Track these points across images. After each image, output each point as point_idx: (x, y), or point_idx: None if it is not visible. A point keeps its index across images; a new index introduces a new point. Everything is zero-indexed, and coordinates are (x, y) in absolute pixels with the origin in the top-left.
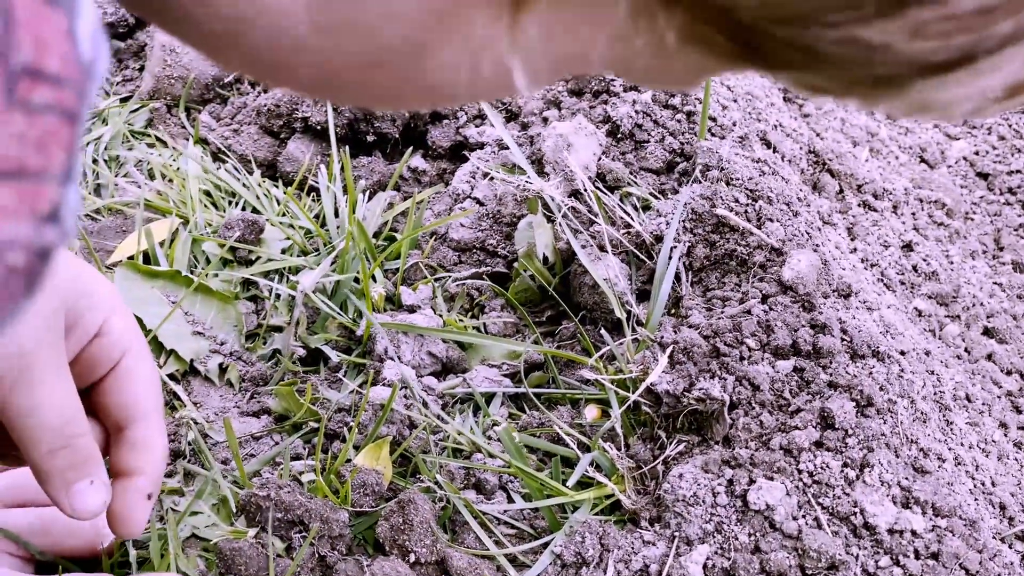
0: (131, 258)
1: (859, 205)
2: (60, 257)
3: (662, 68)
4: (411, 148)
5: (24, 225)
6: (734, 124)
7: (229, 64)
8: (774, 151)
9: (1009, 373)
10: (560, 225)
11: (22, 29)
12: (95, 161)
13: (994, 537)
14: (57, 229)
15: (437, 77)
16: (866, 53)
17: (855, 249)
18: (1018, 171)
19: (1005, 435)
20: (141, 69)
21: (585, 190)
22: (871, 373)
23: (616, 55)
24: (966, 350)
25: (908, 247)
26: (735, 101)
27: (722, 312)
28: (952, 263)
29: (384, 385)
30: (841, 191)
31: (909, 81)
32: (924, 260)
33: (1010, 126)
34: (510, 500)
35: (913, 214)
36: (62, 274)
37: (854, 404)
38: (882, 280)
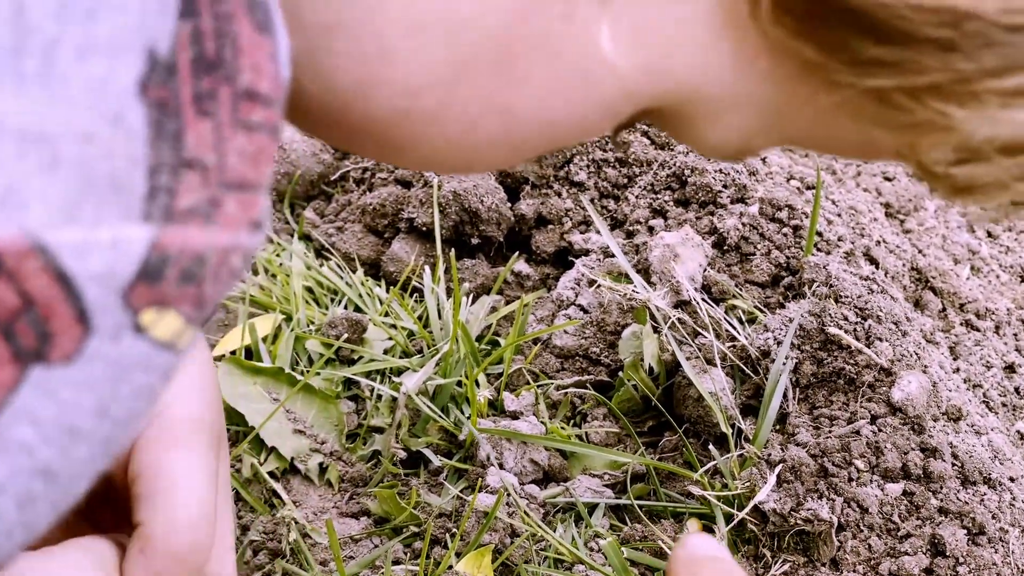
0: (234, 352)
1: (961, 324)
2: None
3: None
4: (516, 252)
5: (244, 232)
6: (840, 239)
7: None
8: (878, 267)
9: None
10: (666, 336)
11: (244, 56)
12: None
13: None
14: (261, 235)
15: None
16: None
17: (958, 369)
18: None
19: None
20: None
21: (692, 301)
22: (983, 500)
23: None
24: None
25: (1011, 368)
26: (839, 216)
27: (830, 431)
28: None
29: (488, 492)
30: (944, 309)
31: None
32: None
33: None
34: None
35: (1015, 335)
36: None
37: (965, 532)
38: (985, 401)
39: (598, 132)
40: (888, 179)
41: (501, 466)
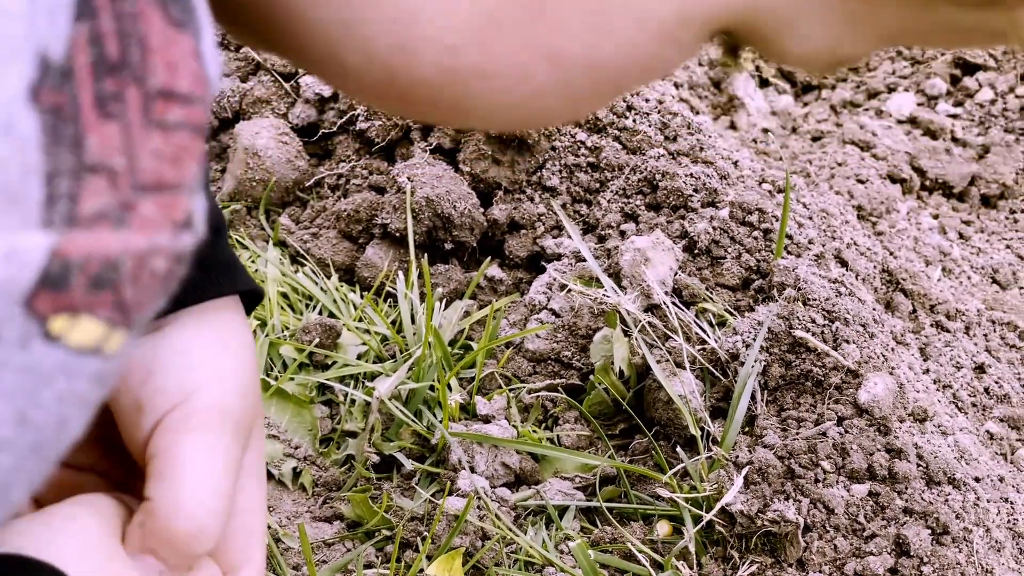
0: None
1: (932, 325)
2: None
3: None
4: (488, 257)
5: (165, 234)
6: (810, 242)
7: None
8: (848, 269)
9: None
10: (636, 339)
11: (155, 55)
12: None
13: None
14: (190, 235)
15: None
16: None
17: (927, 370)
18: None
19: None
20: (223, 171)
21: (663, 304)
22: (947, 500)
23: None
24: None
25: (980, 369)
26: (810, 219)
27: (797, 433)
28: None
29: (459, 495)
30: (914, 311)
31: None
32: (996, 383)
33: None
34: None
35: (985, 335)
36: None
37: (929, 532)
38: (954, 402)
39: (668, 66)
40: (861, 181)
41: (473, 470)
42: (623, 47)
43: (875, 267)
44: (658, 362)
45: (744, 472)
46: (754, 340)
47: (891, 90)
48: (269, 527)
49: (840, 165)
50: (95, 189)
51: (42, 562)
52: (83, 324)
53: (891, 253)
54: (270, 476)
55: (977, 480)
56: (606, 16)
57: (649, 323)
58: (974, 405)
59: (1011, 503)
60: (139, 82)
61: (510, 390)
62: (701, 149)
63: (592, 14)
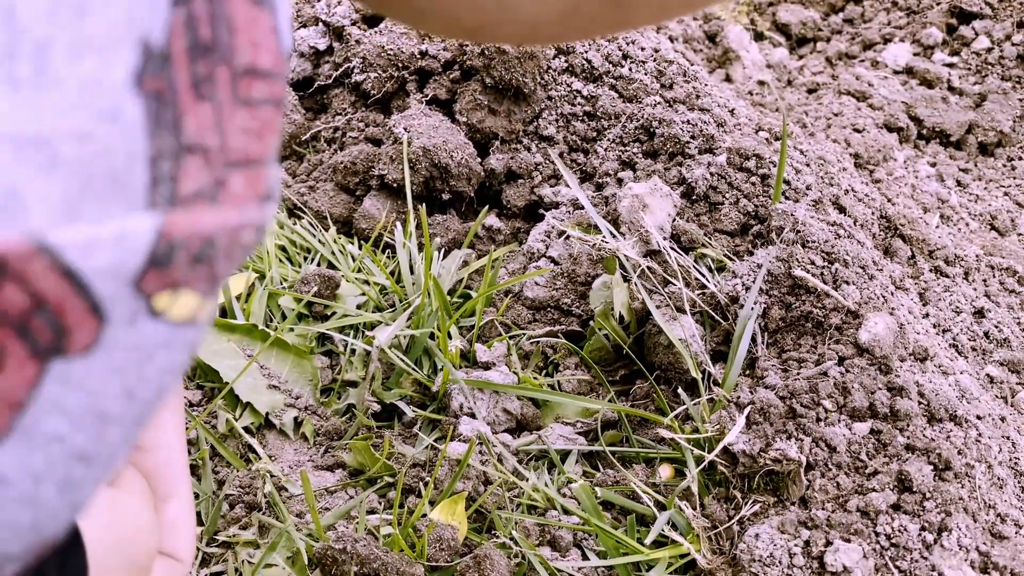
0: None
1: (931, 271)
2: None
3: None
4: (486, 207)
5: (252, 207)
6: (808, 188)
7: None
8: (847, 215)
9: None
10: (636, 285)
11: (240, 34)
12: None
13: None
14: (271, 206)
15: None
16: None
17: (927, 314)
18: None
19: None
20: None
21: (662, 250)
22: (949, 437)
23: None
24: None
25: (980, 313)
26: (808, 165)
27: (798, 374)
28: None
29: (460, 441)
30: (913, 256)
31: None
32: (996, 327)
33: None
34: (584, 558)
35: (984, 281)
36: None
37: (932, 468)
38: (954, 346)
39: None
40: (858, 130)
41: (474, 416)
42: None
43: (873, 213)
44: (658, 307)
45: (746, 412)
46: (753, 283)
47: (886, 41)
48: (272, 475)
49: (836, 115)
50: (192, 169)
51: None
52: (183, 298)
53: (889, 200)
54: (271, 426)
55: (979, 418)
56: None
57: (648, 268)
58: (974, 349)
59: (1013, 442)
60: (227, 62)
61: (510, 337)
62: (697, 96)
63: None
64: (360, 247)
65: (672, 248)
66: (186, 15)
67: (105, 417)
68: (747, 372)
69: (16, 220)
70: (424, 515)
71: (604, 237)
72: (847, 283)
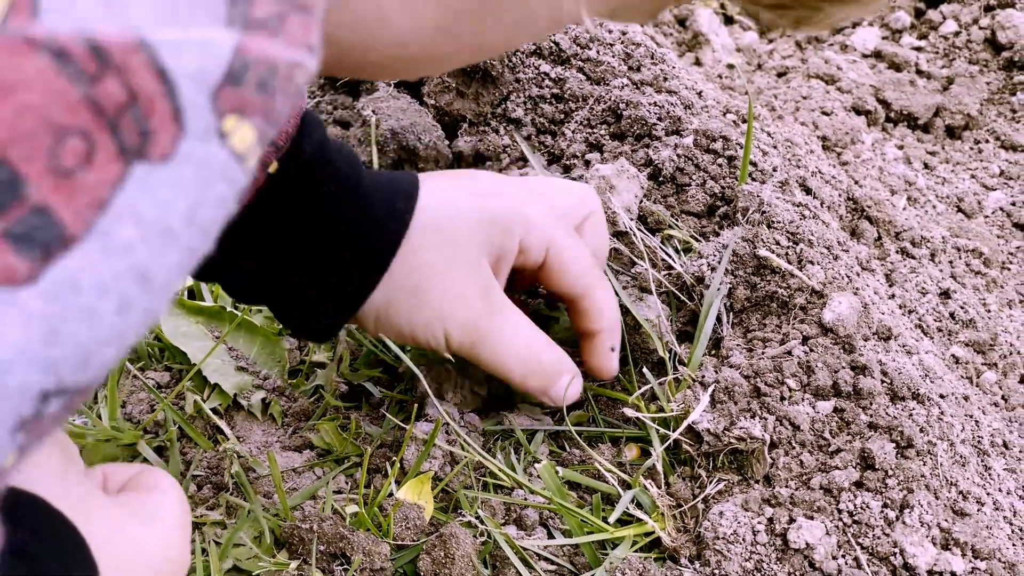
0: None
1: (897, 252)
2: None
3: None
4: None
5: (304, 52)
6: (774, 169)
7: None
8: (813, 197)
9: None
10: None
11: None
12: None
13: None
14: (315, 59)
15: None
16: None
17: (893, 295)
18: None
19: None
20: None
21: (628, 231)
22: (911, 415)
23: None
24: (1003, 398)
25: (946, 295)
26: (775, 147)
27: (763, 353)
28: (989, 311)
29: (427, 421)
30: (879, 238)
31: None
32: (962, 308)
33: None
34: (550, 536)
35: (951, 262)
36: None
37: (894, 445)
38: (920, 327)
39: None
40: (826, 113)
41: (441, 397)
42: (534, 35)
43: (840, 195)
44: (624, 288)
45: (710, 391)
46: (719, 263)
47: (855, 25)
48: (239, 456)
49: (805, 98)
50: None
51: (19, 489)
52: (244, 129)
53: (856, 182)
54: (240, 407)
55: (942, 397)
56: (532, 14)
57: (615, 250)
58: (939, 330)
59: (976, 421)
60: None
61: None
62: (665, 79)
63: (522, 18)
64: None
65: (639, 229)
66: None
67: (169, 235)
68: (712, 352)
69: (119, 18)
70: (391, 494)
71: None
72: (812, 263)
